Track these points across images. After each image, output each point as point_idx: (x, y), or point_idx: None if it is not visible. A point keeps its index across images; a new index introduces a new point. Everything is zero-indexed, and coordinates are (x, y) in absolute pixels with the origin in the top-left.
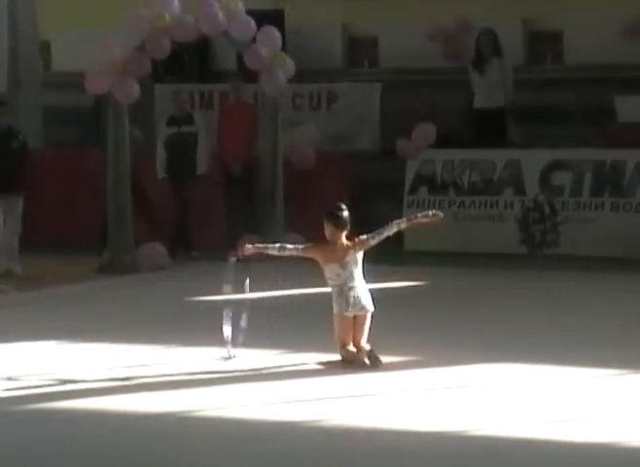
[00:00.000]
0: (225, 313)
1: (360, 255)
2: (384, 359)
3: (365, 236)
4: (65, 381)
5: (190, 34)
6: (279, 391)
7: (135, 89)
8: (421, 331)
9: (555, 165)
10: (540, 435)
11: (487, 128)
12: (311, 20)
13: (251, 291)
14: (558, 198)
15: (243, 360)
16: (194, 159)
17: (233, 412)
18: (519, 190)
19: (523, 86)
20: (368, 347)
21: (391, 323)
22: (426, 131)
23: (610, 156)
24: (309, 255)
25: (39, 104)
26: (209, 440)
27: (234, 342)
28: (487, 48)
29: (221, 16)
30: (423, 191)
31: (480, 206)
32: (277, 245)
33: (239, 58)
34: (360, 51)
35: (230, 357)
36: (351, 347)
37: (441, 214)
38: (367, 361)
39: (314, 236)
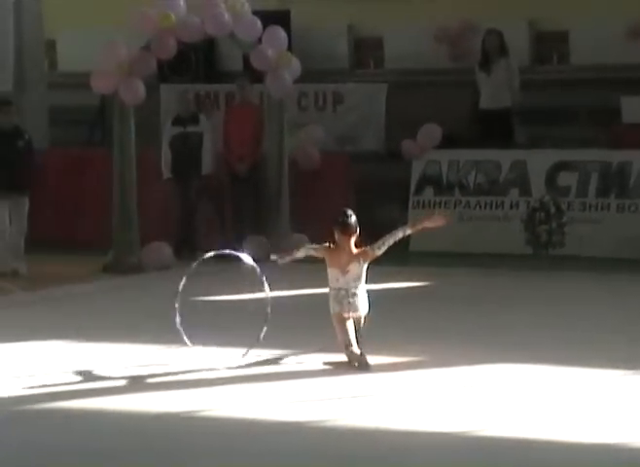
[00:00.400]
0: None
1: (364, 266)
2: (389, 360)
3: (371, 247)
4: (70, 381)
5: (195, 34)
6: (285, 391)
7: (141, 90)
8: (426, 331)
9: (561, 166)
10: (546, 435)
11: (493, 129)
12: (317, 21)
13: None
14: (564, 199)
15: (248, 360)
16: (199, 159)
17: (238, 411)
18: (525, 190)
19: (529, 86)
20: (357, 351)
21: (396, 323)
22: (431, 132)
23: (616, 157)
24: (320, 255)
25: (45, 104)
26: (213, 439)
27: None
28: (493, 48)
29: (227, 16)
30: (429, 191)
31: (485, 207)
32: (302, 248)
33: (245, 59)
34: (365, 51)
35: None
36: (355, 348)
37: (448, 214)
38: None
39: (319, 237)
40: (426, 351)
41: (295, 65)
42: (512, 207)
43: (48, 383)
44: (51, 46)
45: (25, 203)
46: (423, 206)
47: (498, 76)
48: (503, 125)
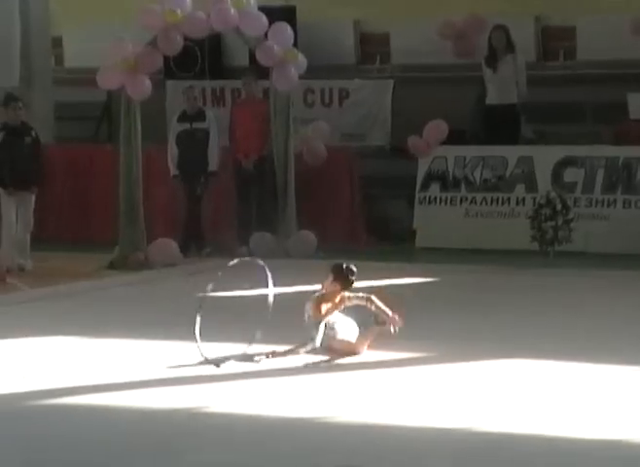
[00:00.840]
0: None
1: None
2: (395, 355)
3: (349, 297)
4: (77, 377)
5: (201, 30)
6: (290, 387)
7: (147, 86)
8: (432, 328)
9: (567, 162)
10: (553, 431)
11: (500, 125)
12: (323, 17)
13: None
14: (570, 195)
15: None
16: (205, 155)
17: (247, 408)
18: (531, 186)
19: (536, 82)
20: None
21: (402, 320)
22: (438, 128)
23: (623, 153)
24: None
25: (51, 100)
26: (222, 436)
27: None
28: (500, 44)
29: (232, 12)
30: (435, 187)
31: (491, 203)
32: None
33: (251, 55)
34: (372, 47)
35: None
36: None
37: (399, 323)
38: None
39: (325, 234)
40: (431, 348)
41: (301, 61)
42: (518, 203)
43: (54, 380)
44: (57, 42)
45: (31, 200)
46: (429, 202)
47: (504, 72)
48: (509, 122)
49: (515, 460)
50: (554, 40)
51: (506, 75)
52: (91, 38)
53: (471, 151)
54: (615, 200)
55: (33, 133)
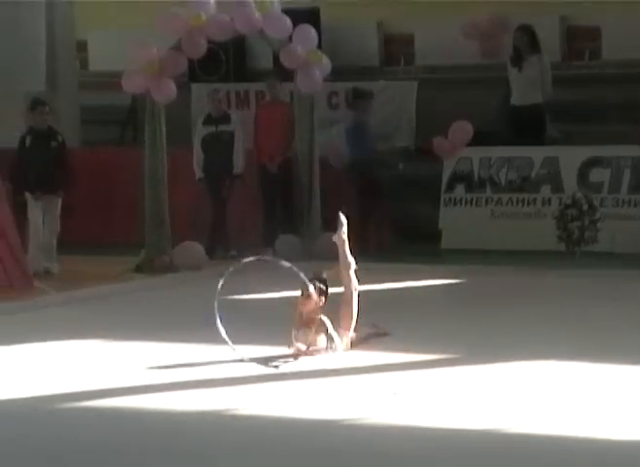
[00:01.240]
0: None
1: None
2: (422, 357)
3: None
4: (103, 380)
5: (225, 33)
6: (316, 389)
7: (172, 89)
8: (458, 329)
9: (594, 162)
10: (581, 432)
11: (525, 125)
12: (347, 18)
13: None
14: (596, 195)
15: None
16: (230, 158)
17: (272, 410)
18: (557, 187)
19: (561, 82)
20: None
21: (428, 321)
22: (463, 129)
23: None
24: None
25: (76, 104)
26: (247, 438)
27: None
28: (525, 44)
29: (256, 14)
30: (460, 189)
31: (517, 204)
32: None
33: (275, 57)
34: (396, 48)
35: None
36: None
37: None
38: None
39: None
40: (458, 349)
41: (325, 63)
42: (544, 204)
43: (80, 382)
44: (82, 46)
45: (58, 204)
46: (455, 203)
47: (530, 72)
48: (534, 122)
49: (546, 462)
50: (580, 40)
51: (531, 75)
52: (116, 42)
53: (496, 152)
54: None
55: (59, 138)
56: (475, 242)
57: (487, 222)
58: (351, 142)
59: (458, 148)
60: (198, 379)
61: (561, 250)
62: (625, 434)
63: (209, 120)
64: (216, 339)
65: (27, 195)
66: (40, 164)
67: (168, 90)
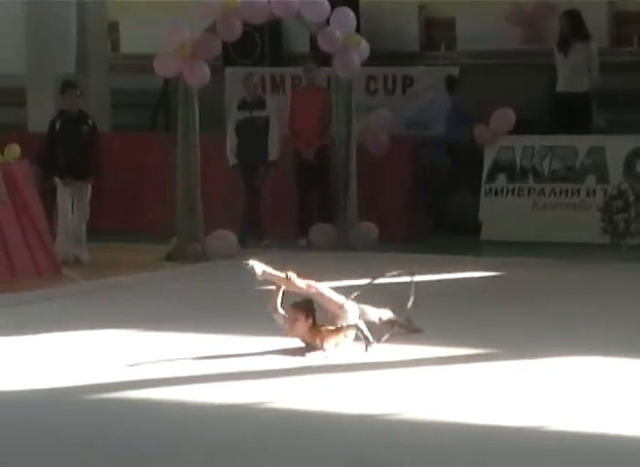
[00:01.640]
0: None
1: None
2: (461, 351)
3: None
4: (135, 370)
5: (261, 16)
6: (354, 383)
7: (206, 73)
8: (497, 323)
9: None
10: (624, 430)
11: (570, 113)
12: (387, 1)
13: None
14: None
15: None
16: (265, 144)
17: (307, 403)
18: (603, 177)
19: (608, 69)
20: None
21: (467, 315)
22: (505, 117)
23: None
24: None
25: (107, 87)
26: (281, 432)
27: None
28: (569, 29)
29: None
30: (502, 178)
31: (560, 194)
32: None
33: (312, 41)
34: (437, 33)
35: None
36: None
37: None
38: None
39: (387, 225)
40: (499, 343)
41: (363, 47)
42: (588, 195)
43: (112, 373)
44: (113, 28)
45: (88, 190)
46: (496, 194)
47: (576, 58)
48: (581, 110)
49: (587, 459)
50: (628, 25)
51: (576, 61)
52: (148, 23)
53: (539, 140)
54: None
55: (90, 122)
56: (516, 234)
57: (529, 213)
58: (450, 124)
59: (500, 136)
60: (230, 371)
61: (606, 243)
62: None
63: (244, 105)
64: (247, 329)
65: (57, 180)
66: (70, 149)
67: (202, 74)
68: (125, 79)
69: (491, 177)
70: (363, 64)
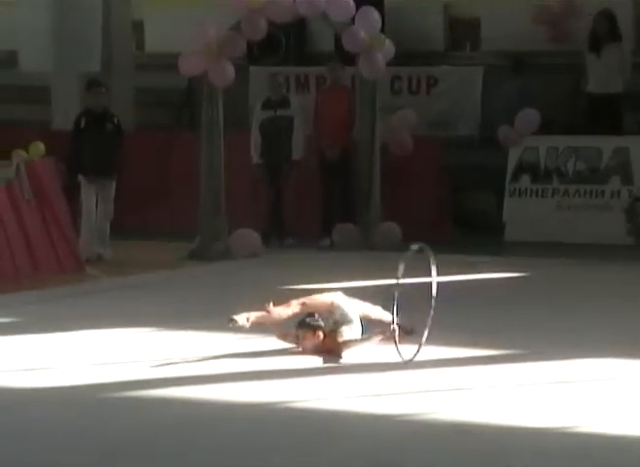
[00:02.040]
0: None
1: None
2: (483, 352)
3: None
4: (156, 369)
5: (286, 15)
6: (372, 383)
7: (230, 72)
8: (521, 324)
9: None
10: None
11: (600, 115)
12: (412, 1)
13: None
14: None
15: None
16: (289, 144)
17: (323, 403)
18: (627, 178)
19: (636, 70)
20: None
21: (490, 315)
22: (529, 117)
23: None
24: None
25: (131, 85)
26: (297, 432)
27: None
28: (605, 30)
29: None
30: (526, 179)
31: (585, 195)
32: None
33: (337, 40)
34: (461, 33)
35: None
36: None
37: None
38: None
39: (410, 226)
40: (522, 344)
41: (388, 47)
42: (613, 196)
43: (133, 371)
44: (138, 26)
45: (112, 187)
46: (520, 194)
47: (608, 59)
48: (611, 111)
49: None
50: None
51: (610, 62)
52: (173, 22)
53: (564, 141)
54: None
55: (115, 120)
56: (540, 235)
57: (553, 214)
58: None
59: (524, 137)
60: (253, 370)
61: (630, 244)
62: None
63: (268, 104)
64: (267, 329)
65: (81, 177)
66: (94, 147)
67: (226, 73)
68: (150, 77)
69: (515, 178)
70: (387, 64)
